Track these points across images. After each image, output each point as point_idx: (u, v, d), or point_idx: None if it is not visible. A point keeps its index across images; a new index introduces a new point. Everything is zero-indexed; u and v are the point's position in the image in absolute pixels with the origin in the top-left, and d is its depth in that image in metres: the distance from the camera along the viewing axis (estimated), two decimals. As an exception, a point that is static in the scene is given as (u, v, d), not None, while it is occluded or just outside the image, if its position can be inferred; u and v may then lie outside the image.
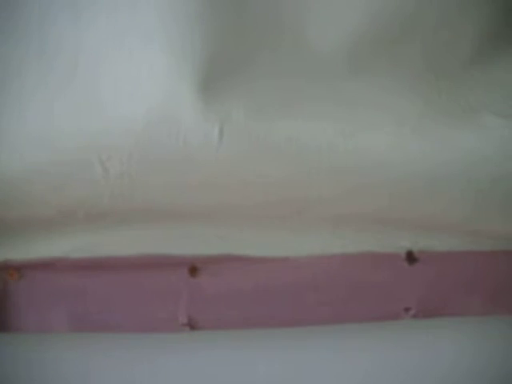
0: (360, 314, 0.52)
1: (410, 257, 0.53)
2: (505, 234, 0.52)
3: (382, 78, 0.53)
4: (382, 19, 0.52)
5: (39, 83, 0.48)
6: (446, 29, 0.54)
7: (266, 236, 0.51)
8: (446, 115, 0.53)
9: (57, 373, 0.51)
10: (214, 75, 0.48)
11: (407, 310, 0.52)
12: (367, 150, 0.49)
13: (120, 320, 0.51)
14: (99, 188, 0.48)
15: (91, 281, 0.51)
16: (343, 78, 0.51)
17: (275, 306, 0.51)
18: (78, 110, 0.47)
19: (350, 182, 0.49)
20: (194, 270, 0.51)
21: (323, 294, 0.52)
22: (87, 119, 0.47)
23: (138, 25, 0.47)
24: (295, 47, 0.51)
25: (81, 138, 0.47)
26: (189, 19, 0.47)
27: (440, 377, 0.54)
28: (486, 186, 0.50)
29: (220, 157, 0.47)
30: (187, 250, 0.51)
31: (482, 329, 0.54)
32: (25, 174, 0.47)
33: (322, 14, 0.51)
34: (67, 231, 0.50)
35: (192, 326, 0.51)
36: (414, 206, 0.50)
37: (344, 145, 0.49)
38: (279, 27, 0.51)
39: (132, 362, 0.52)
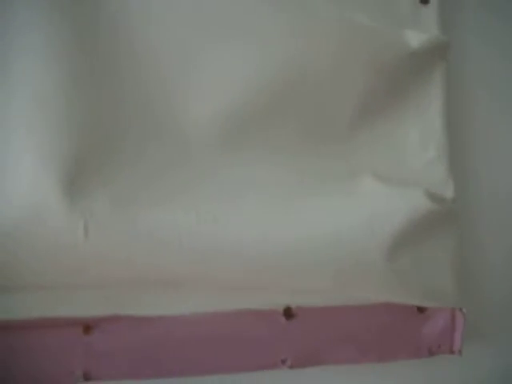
0: (240, 365, 0.57)
1: (288, 313, 0.58)
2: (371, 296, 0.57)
3: (255, 153, 0.56)
4: (254, 91, 0.54)
5: None
6: (323, 94, 0.56)
7: (151, 297, 0.56)
8: (320, 184, 0.56)
9: None
10: (78, 173, 0.50)
11: (283, 361, 0.58)
12: (228, 232, 0.53)
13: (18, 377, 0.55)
14: None
15: None
16: (215, 158, 0.55)
17: (162, 360, 0.56)
18: None
19: (212, 264, 0.53)
20: (87, 329, 0.56)
21: (207, 348, 0.56)
22: None
23: (4, 124, 0.50)
24: (165, 133, 0.54)
25: None
26: (55, 121, 0.50)
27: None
28: (346, 261, 0.54)
29: (87, 251, 0.51)
30: (81, 311, 0.55)
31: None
32: None
33: (191, 91, 0.54)
34: None
35: (87, 378, 0.56)
36: (277, 278, 0.54)
37: (206, 230, 0.52)
38: (146, 115, 0.54)
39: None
